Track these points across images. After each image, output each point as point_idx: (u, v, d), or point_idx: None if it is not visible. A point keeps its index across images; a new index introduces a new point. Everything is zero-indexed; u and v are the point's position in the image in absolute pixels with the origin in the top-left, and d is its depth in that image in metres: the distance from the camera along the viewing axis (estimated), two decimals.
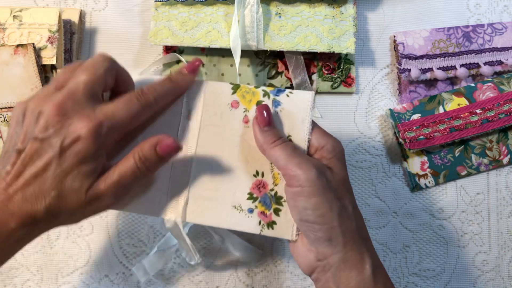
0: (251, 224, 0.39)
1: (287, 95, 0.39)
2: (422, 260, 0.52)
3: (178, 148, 0.35)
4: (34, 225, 0.33)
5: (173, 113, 0.40)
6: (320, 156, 0.38)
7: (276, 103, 0.39)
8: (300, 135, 0.39)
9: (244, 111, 0.40)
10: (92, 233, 0.52)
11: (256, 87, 0.40)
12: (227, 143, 0.39)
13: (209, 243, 0.52)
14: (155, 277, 0.51)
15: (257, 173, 0.39)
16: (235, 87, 0.40)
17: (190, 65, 0.39)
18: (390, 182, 0.53)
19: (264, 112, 0.38)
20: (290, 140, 0.38)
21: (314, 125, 0.39)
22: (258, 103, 0.39)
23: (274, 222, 0.38)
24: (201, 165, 0.40)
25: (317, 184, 0.35)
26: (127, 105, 0.34)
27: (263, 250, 0.52)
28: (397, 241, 0.52)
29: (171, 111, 0.40)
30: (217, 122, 0.40)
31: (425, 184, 0.52)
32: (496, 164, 0.52)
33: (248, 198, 0.39)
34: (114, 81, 0.36)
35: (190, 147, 0.40)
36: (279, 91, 0.39)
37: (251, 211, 0.39)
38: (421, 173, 0.52)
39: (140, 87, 0.36)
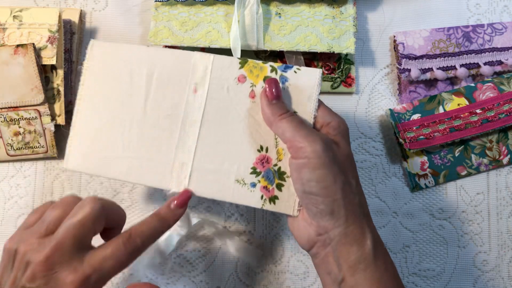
0: (253, 198, 0.39)
1: (295, 72, 0.39)
2: (422, 260, 0.52)
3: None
4: None
5: (180, 85, 0.41)
6: (325, 132, 0.38)
7: (284, 79, 0.39)
8: (307, 111, 0.39)
9: (251, 86, 0.40)
10: None
11: (264, 62, 0.40)
12: (232, 117, 0.40)
13: (209, 243, 0.52)
14: (155, 277, 0.51)
15: (261, 148, 0.39)
16: (243, 62, 0.40)
17: (180, 200, 0.39)
18: (390, 182, 0.53)
19: (273, 85, 0.38)
20: (297, 115, 0.39)
21: (320, 102, 0.40)
22: (266, 78, 0.39)
23: (276, 197, 0.39)
24: (206, 138, 0.40)
25: (323, 156, 0.35)
26: (115, 254, 0.35)
27: (263, 250, 0.52)
28: (397, 241, 0.52)
29: (177, 84, 0.41)
30: (223, 96, 0.40)
31: (425, 184, 0.52)
32: (496, 164, 0.52)
33: (252, 173, 0.39)
34: (104, 223, 0.37)
35: (195, 120, 0.40)
36: (286, 67, 0.40)
37: (253, 185, 0.39)
38: (421, 173, 0.52)
39: (128, 230, 0.37)
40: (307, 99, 0.39)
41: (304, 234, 0.37)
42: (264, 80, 0.39)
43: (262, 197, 0.39)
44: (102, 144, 0.42)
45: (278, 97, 0.38)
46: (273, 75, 0.40)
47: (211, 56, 0.40)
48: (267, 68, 0.40)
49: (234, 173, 0.39)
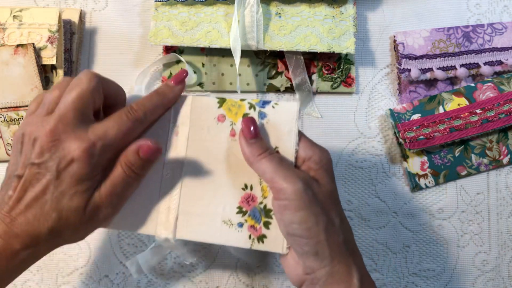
0: (241, 239, 0.38)
1: (273, 107, 0.39)
2: (422, 260, 0.52)
3: (158, 149, 0.36)
4: (37, 246, 0.34)
5: (161, 129, 0.40)
6: (307, 167, 0.38)
7: (262, 115, 0.39)
8: (287, 146, 0.38)
9: (230, 125, 0.39)
10: (92, 233, 0.52)
11: (242, 100, 0.40)
12: (214, 158, 0.39)
13: (209, 243, 0.52)
14: (155, 277, 0.51)
15: (246, 186, 0.39)
16: (221, 101, 0.40)
17: (177, 77, 0.40)
18: (390, 182, 0.53)
19: (250, 124, 0.37)
20: (277, 151, 0.38)
21: (301, 135, 0.39)
22: (244, 116, 0.39)
23: (264, 236, 0.38)
24: (189, 180, 0.40)
25: (303, 197, 0.35)
26: (118, 123, 0.36)
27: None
28: (397, 241, 0.52)
29: (159, 127, 0.40)
30: (204, 136, 0.40)
31: (425, 184, 0.52)
32: (496, 164, 0.52)
33: (238, 212, 0.39)
34: (104, 96, 0.37)
35: (178, 163, 0.40)
36: (264, 103, 0.39)
37: (241, 225, 0.39)
38: (421, 173, 0.52)
39: (129, 103, 0.37)
40: (287, 133, 0.38)
41: (294, 272, 0.37)
42: (243, 117, 0.39)
43: (250, 236, 0.38)
44: None
45: (255, 135, 0.37)
46: (251, 111, 0.39)
47: (189, 98, 0.40)
48: (245, 105, 0.39)
49: (220, 214, 0.39)
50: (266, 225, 0.38)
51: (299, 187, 0.35)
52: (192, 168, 0.40)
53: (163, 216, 0.40)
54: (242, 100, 0.40)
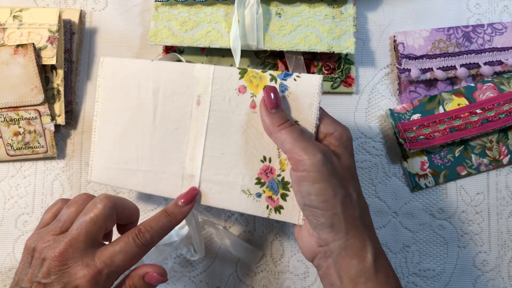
0: (259, 208, 0.40)
1: (295, 79, 0.39)
2: (422, 260, 0.52)
3: (163, 279, 0.37)
4: None
5: (184, 98, 0.42)
6: (327, 143, 0.38)
7: (283, 87, 0.39)
8: (308, 120, 0.38)
9: (251, 96, 0.40)
10: None
11: (264, 71, 0.40)
12: (235, 129, 0.40)
13: (209, 243, 0.52)
14: None
15: (265, 158, 0.40)
16: (242, 72, 0.40)
17: (187, 197, 0.40)
18: (390, 182, 0.53)
19: (272, 94, 0.38)
20: (298, 124, 0.38)
21: (322, 111, 0.39)
22: (265, 87, 0.39)
23: (281, 207, 0.39)
24: (211, 150, 0.41)
25: (322, 170, 0.35)
26: (125, 249, 0.36)
27: (263, 250, 0.52)
28: (397, 241, 0.52)
29: (182, 97, 0.42)
30: (225, 107, 0.40)
31: (425, 184, 0.52)
32: (496, 164, 0.52)
33: (256, 183, 0.40)
34: (116, 219, 0.38)
35: (200, 132, 0.41)
36: (286, 75, 0.39)
37: (259, 195, 0.40)
38: (421, 173, 0.52)
39: (137, 226, 0.38)
40: (308, 107, 0.38)
41: (307, 244, 0.38)
42: (264, 89, 0.39)
43: (267, 207, 0.40)
44: (119, 157, 0.44)
45: (277, 106, 0.38)
46: (272, 84, 0.39)
47: (211, 67, 0.41)
48: (266, 77, 0.39)
49: (239, 183, 0.40)
50: (283, 197, 0.39)
51: (319, 159, 0.35)
52: (213, 138, 0.41)
53: (186, 183, 0.42)
54: (264, 71, 0.40)
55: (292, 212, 0.39)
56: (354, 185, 0.37)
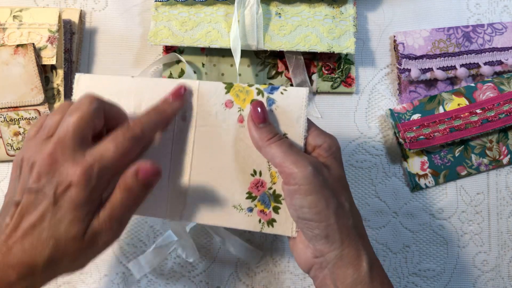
0: (251, 223, 0.39)
1: (281, 93, 0.39)
2: (422, 260, 0.52)
3: (157, 172, 0.35)
4: (34, 276, 0.32)
5: None
6: (317, 155, 0.38)
7: (271, 101, 0.39)
8: (297, 133, 0.38)
9: (238, 111, 0.39)
10: None
11: (250, 85, 0.39)
12: (223, 144, 0.39)
13: (209, 243, 0.52)
14: (155, 277, 0.51)
15: (255, 172, 0.39)
16: (228, 86, 0.40)
17: (176, 93, 0.39)
18: (390, 182, 0.53)
19: (259, 108, 0.37)
20: (286, 138, 0.38)
21: (310, 123, 0.39)
22: (252, 102, 0.39)
23: (274, 220, 0.39)
24: (198, 166, 0.40)
25: (313, 182, 0.35)
26: (115, 143, 0.34)
27: (263, 250, 0.52)
28: (397, 241, 0.52)
29: None
30: (212, 122, 0.40)
31: (425, 184, 0.52)
32: (496, 164, 0.52)
33: (247, 198, 0.39)
34: (104, 120, 0.36)
35: (187, 148, 0.40)
36: (273, 89, 0.39)
37: (250, 210, 0.39)
38: (421, 173, 0.52)
39: (127, 121, 0.36)
40: (296, 119, 0.38)
41: (302, 256, 0.37)
42: (251, 103, 0.39)
43: (260, 221, 0.39)
44: None
45: (264, 120, 0.37)
46: (259, 97, 0.39)
47: (195, 82, 0.40)
48: (253, 91, 0.39)
49: (230, 199, 0.39)
50: (276, 209, 0.39)
51: (309, 171, 0.35)
52: (200, 154, 0.40)
53: (174, 201, 0.40)
54: (250, 85, 0.39)
55: (285, 224, 0.38)
56: (345, 195, 0.37)
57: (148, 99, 0.40)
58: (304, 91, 0.38)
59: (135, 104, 0.41)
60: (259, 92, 0.39)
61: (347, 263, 0.35)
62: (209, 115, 0.40)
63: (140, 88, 0.40)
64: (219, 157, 0.39)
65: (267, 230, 0.39)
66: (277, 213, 0.39)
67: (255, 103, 0.38)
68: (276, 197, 0.39)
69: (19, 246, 0.32)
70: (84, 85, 0.42)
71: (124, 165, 0.35)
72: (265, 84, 0.40)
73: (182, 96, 0.39)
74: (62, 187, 0.32)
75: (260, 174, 0.39)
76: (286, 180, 0.36)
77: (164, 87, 0.40)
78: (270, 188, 0.39)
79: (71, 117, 0.34)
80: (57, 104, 0.52)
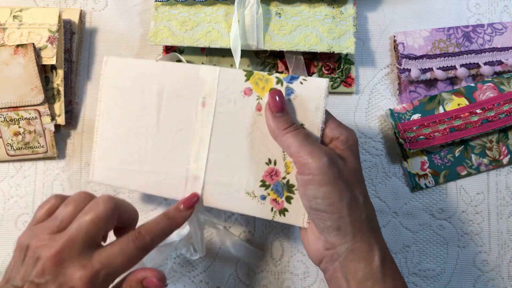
0: (263, 211, 0.40)
1: (301, 82, 0.39)
2: (422, 260, 0.52)
3: (163, 284, 0.36)
4: None
5: (189, 100, 0.41)
6: (333, 147, 0.38)
7: (290, 91, 0.39)
8: (314, 124, 0.38)
9: (257, 99, 0.40)
10: None
11: (270, 73, 0.40)
12: (240, 131, 0.40)
13: (209, 243, 0.52)
14: None
15: (270, 161, 0.40)
16: (248, 74, 0.40)
17: (188, 202, 0.40)
18: (390, 182, 0.53)
19: (277, 97, 0.37)
20: (304, 128, 0.38)
21: (328, 115, 0.39)
22: (271, 90, 0.39)
23: (286, 209, 0.39)
24: (216, 152, 0.41)
25: (328, 173, 0.35)
26: (124, 251, 0.35)
27: (263, 250, 0.52)
28: (397, 241, 0.52)
29: (186, 98, 0.42)
30: (230, 109, 0.40)
31: (425, 184, 0.52)
32: (496, 164, 0.52)
33: (261, 186, 0.40)
34: (116, 221, 0.37)
35: (205, 134, 0.41)
36: (292, 78, 0.39)
37: (263, 198, 0.40)
38: (421, 173, 0.52)
39: (137, 228, 0.37)
40: (314, 110, 0.38)
41: (313, 247, 0.37)
42: (269, 92, 0.39)
43: (272, 209, 0.40)
44: (121, 158, 0.44)
45: (282, 109, 0.37)
46: (278, 86, 0.39)
47: (217, 69, 0.41)
48: (272, 79, 0.39)
49: (244, 185, 0.40)
50: (288, 199, 0.39)
51: (324, 162, 0.35)
52: (218, 140, 0.41)
53: (190, 184, 0.41)
54: (270, 74, 0.40)
55: (297, 214, 0.39)
56: (360, 188, 0.37)
57: (170, 83, 0.42)
58: (324, 82, 0.38)
59: (158, 87, 0.42)
60: (279, 81, 0.39)
61: (358, 256, 0.35)
62: (228, 102, 0.40)
63: (163, 71, 0.42)
64: (236, 144, 0.40)
65: (279, 219, 0.39)
66: (290, 203, 0.39)
67: (273, 92, 0.38)
68: (290, 187, 0.39)
69: None
70: (112, 67, 0.44)
71: (128, 269, 0.36)
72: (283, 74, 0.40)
73: (194, 206, 0.40)
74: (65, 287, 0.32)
75: (275, 163, 0.39)
76: (300, 170, 0.36)
77: (185, 73, 0.41)
78: (284, 178, 0.39)
79: (86, 217, 0.35)
80: (56, 105, 0.52)
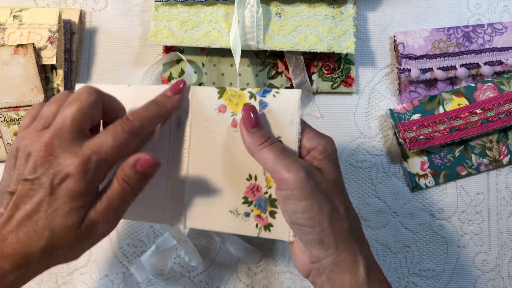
0: (248, 228, 0.39)
1: (274, 95, 0.38)
2: (422, 260, 0.52)
3: (156, 164, 0.35)
4: (28, 267, 0.32)
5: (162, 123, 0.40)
6: (311, 158, 0.37)
7: (263, 104, 0.38)
8: (290, 136, 0.37)
9: (232, 115, 0.39)
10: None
11: (242, 89, 0.39)
12: (218, 149, 0.39)
13: (209, 243, 0.52)
14: (155, 277, 0.51)
15: (250, 177, 0.39)
16: (221, 91, 0.39)
17: (174, 87, 0.39)
18: (390, 182, 0.53)
19: (251, 113, 0.37)
20: (280, 141, 0.38)
21: (305, 125, 0.38)
22: (244, 106, 0.38)
23: (270, 225, 0.38)
24: (195, 172, 0.40)
25: (305, 187, 0.34)
26: (113, 136, 0.34)
27: (263, 250, 0.52)
28: (397, 241, 0.52)
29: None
30: (206, 128, 0.39)
31: (425, 184, 0.52)
32: (496, 164, 0.52)
33: (244, 202, 0.39)
34: (102, 112, 0.36)
35: (183, 154, 0.40)
36: (265, 92, 0.38)
37: (247, 215, 0.39)
38: (421, 173, 0.52)
39: (126, 115, 0.36)
40: (289, 123, 0.37)
41: (300, 262, 0.37)
42: (242, 108, 0.38)
43: (257, 225, 0.39)
44: None
45: (256, 124, 0.36)
46: (252, 101, 0.38)
47: (189, 88, 0.40)
48: (245, 95, 0.38)
49: (226, 204, 0.39)
50: (272, 214, 0.38)
51: (301, 176, 0.34)
52: (196, 160, 0.40)
53: (172, 207, 0.40)
54: (243, 89, 0.39)
55: (282, 229, 0.38)
56: (340, 198, 0.36)
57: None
58: (296, 93, 0.37)
59: (132, 110, 0.40)
60: (252, 95, 0.38)
61: (343, 268, 0.35)
62: (203, 121, 0.39)
63: (136, 96, 0.40)
64: (214, 162, 0.39)
65: (264, 235, 0.38)
66: (274, 217, 0.38)
67: (247, 108, 0.37)
68: (272, 202, 0.38)
69: (14, 236, 0.32)
70: None
71: (121, 158, 0.35)
72: (258, 87, 0.40)
73: (181, 91, 0.39)
74: (59, 178, 0.32)
75: (256, 178, 0.39)
76: (278, 186, 0.36)
77: (156, 95, 0.40)
78: (266, 193, 0.38)
79: (69, 108, 0.34)
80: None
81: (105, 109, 0.36)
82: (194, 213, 0.40)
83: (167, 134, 0.40)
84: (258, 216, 0.39)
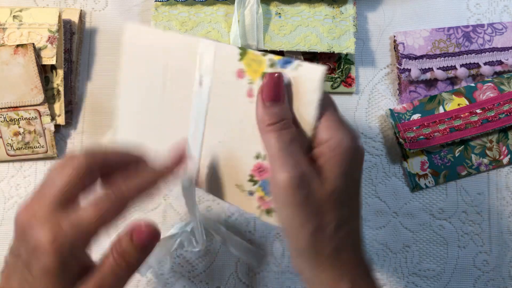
0: (251, 206, 0.37)
1: (296, 68, 0.32)
2: (422, 260, 0.52)
3: (155, 235, 0.31)
4: None
5: (189, 77, 0.38)
6: (319, 153, 0.31)
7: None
8: (306, 119, 0.32)
9: (249, 83, 0.34)
10: None
11: (264, 54, 0.34)
12: (232, 118, 0.36)
13: (210, 243, 0.52)
14: (155, 277, 0.51)
15: (258, 155, 0.35)
16: (243, 53, 0.34)
17: (174, 164, 0.35)
18: (390, 182, 0.53)
19: (273, 83, 0.31)
20: (293, 127, 0.32)
21: (328, 109, 0.32)
22: (263, 75, 0.33)
23: (272, 209, 0.36)
24: (209, 136, 0.38)
25: (294, 194, 0.30)
26: (96, 209, 0.30)
27: (263, 250, 0.52)
28: (397, 241, 0.52)
29: (186, 74, 0.38)
30: (223, 92, 0.36)
31: (425, 184, 0.52)
32: (496, 164, 0.52)
33: (249, 180, 0.36)
34: (103, 171, 0.32)
35: (200, 116, 0.38)
36: (286, 62, 0.32)
37: (251, 193, 0.36)
38: (421, 173, 0.52)
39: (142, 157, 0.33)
40: (308, 104, 0.32)
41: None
42: (262, 76, 0.33)
43: (259, 207, 0.36)
44: (136, 130, 0.41)
45: (275, 97, 0.31)
46: (271, 70, 0.33)
47: (213, 44, 0.36)
48: (265, 62, 0.33)
49: (234, 177, 0.37)
50: None
51: (293, 182, 0.30)
52: (211, 124, 0.37)
53: (190, 166, 0.38)
54: (264, 55, 0.33)
55: None
56: (336, 213, 0.31)
57: (173, 57, 0.38)
58: (319, 71, 0.31)
59: (163, 61, 0.38)
60: (272, 64, 0.33)
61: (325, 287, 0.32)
62: (222, 83, 0.36)
63: (169, 41, 0.38)
64: (227, 131, 0.36)
65: (265, 218, 0.36)
66: None
67: (270, 76, 0.31)
68: None
69: None
70: (128, 35, 0.40)
71: (107, 225, 0.31)
72: (279, 55, 0.34)
73: (184, 160, 0.35)
74: (30, 252, 0.29)
75: (264, 158, 0.35)
76: (270, 180, 0.32)
77: (186, 47, 0.37)
78: None
79: (60, 174, 0.30)
80: (56, 105, 0.52)
81: (105, 169, 0.32)
82: (204, 175, 0.38)
83: (191, 91, 0.37)
84: (261, 198, 0.36)
